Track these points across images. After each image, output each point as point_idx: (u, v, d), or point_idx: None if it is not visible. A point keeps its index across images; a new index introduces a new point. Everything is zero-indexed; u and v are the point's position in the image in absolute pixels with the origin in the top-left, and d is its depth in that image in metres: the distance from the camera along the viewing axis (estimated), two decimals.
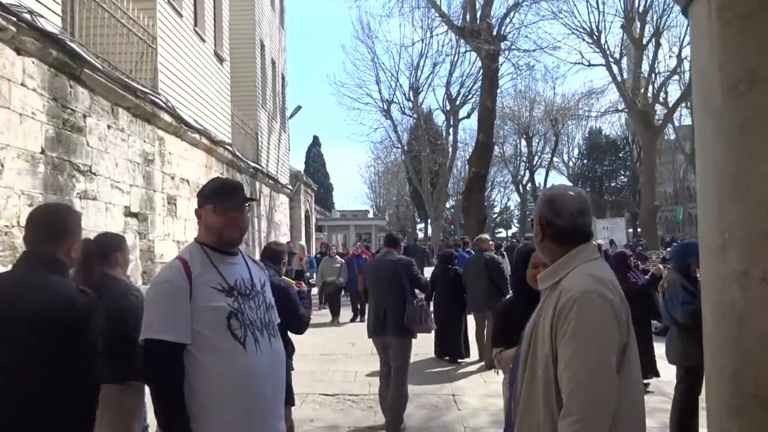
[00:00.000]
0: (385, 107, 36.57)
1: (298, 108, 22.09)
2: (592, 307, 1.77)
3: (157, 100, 8.63)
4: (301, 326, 4.29)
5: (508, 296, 3.67)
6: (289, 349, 4.40)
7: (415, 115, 36.81)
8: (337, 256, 13.89)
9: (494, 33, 19.47)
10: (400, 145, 40.29)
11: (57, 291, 2.16)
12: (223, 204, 2.35)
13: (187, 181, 10.29)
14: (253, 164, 15.41)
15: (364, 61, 36.08)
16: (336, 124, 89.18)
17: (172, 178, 9.58)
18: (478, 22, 19.13)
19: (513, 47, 20.81)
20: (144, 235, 8.37)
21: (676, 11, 28.27)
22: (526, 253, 3.15)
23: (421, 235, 58.40)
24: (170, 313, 2.19)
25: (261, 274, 2.51)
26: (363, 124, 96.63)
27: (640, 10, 26.96)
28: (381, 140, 42.88)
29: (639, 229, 40.00)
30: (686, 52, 29.58)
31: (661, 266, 6.99)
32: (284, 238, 19.36)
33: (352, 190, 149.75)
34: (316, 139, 61.93)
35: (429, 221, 44.27)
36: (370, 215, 55.01)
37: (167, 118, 9.10)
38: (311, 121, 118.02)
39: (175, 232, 9.59)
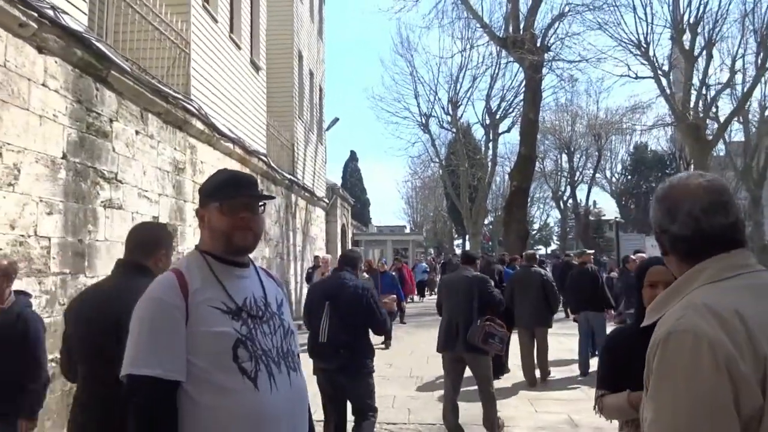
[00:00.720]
0: (423, 121, 36.13)
1: (336, 120, 21.78)
2: (678, 351, 1.19)
3: (189, 107, 8.31)
4: (383, 327, 4.62)
5: (621, 325, 3.01)
6: (370, 352, 4.56)
7: (453, 129, 36.28)
8: (365, 273, 12.16)
9: (538, 44, 18.88)
10: (438, 160, 39.78)
11: (133, 291, 2.21)
12: (232, 202, 1.86)
13: None
14: (289, 176, 15.07)
15: (403, 75, 35.87)
16: (374, 138, 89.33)
17: None
18: (521, 32, 18.57)
19: (557, 58, 20.14)
20: (173, 248, 8.00)
21: (729, 22, 27.30)
22: (646, 266, 2.49)
23: (458, 251, 57.54)
24: (160, 341, 1.69)
25: (277, 292, 2.00)
26: (401, 138, 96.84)
27: (691, 21, 25.95)
28: (418, 155, 42.49)
29: None
30: (739, 64, 28.50)
31: None
32: (320, 252, 18.96)
33: (389, 206, 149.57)
34: (353, 153, 61.94)
35: (467, 237, 43.44)
36: (407, 230, 54.50)
37: (199, 125, 8.77)
38: (349, 135, 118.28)
39: None
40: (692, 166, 29.23)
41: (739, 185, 46.87)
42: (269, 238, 13.14)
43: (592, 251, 12.04)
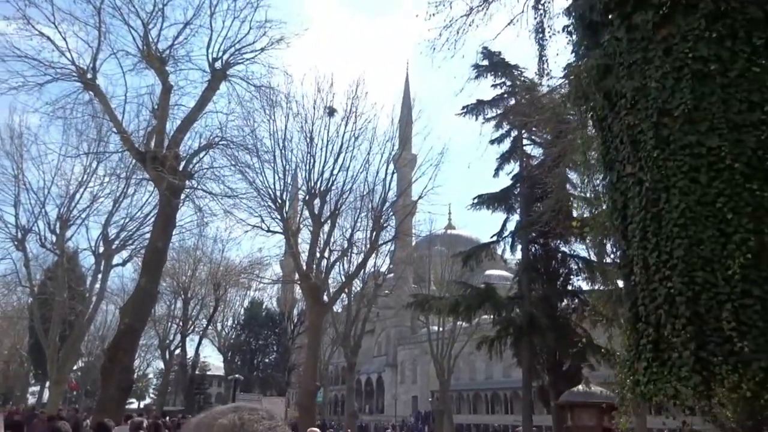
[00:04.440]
0: (20, 236, 29.68)
1: None
2: None
3: None
4: None
5: None
6: None
7: (58, 252, 30.51)
8: None
9: (181, 167, 16.95)
10: (29, 285, 32.66)
11: None
12: None
13: None
14: None
15: (4, 175, 29.24)
16: None
17: None
18: (164, 150, 16.43)
19: (199, 187, 18.36)
20: None
21: (353, 197, 30.03)
22: None
23: (32, 400, 47.06)
24: None
25: None
26: None
27: (322, 189, 27.63)
28: (3, 274, 34.32)
29: (287, 409, 38.48)
30: (357, 235, 31.16)
31: None
32: None
33: None
34: None
35: (48, 384, 35.59)
36: None
37: None
38: None
39: None
40: (310, 328, 29.70)
41: (334, 350, 50.73)
42: None
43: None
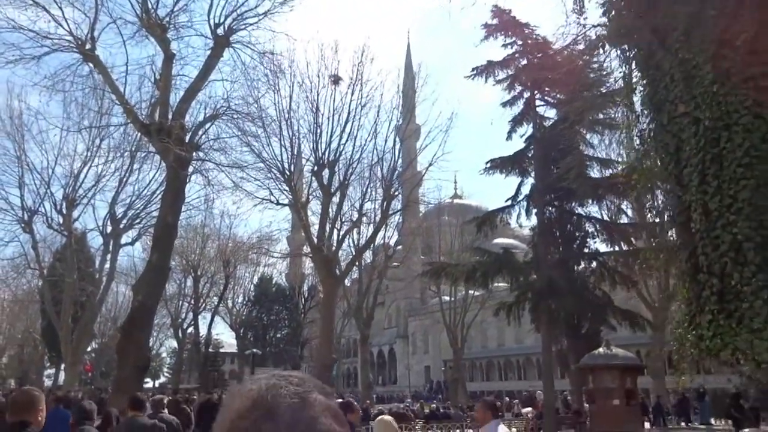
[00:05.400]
0: (26, 218, 29.31)
1: None
2: None
3: None
4: None
5: None
6: None
7: (65, 233, 30.15)
8: None
9: (187, 138, 16.40)
10: (38, 268, 32.39)
11: None
12: None
13: None
14: None
15: (6, 156, 28.73)
16: None
17: None
18: (169, 121, 15.85)
19: (206, 159, 17.81)
20: None
21: (361, 167, 29.42)
22: None
23: (48, 382, 47.29)
24: None
25: None
26: None
27: (330, 159, 27.07)
28: (12, 257, 34.02)
29: None
30: (368, 206, 30.64)
31: None
32: None
33: None
34: None
35: (63, 366, 35.59)
36: None
37: None
38: None
39: None
40: (324, 300, 29.43)
41: (346, 323, 50.68)
42: None
43: None
